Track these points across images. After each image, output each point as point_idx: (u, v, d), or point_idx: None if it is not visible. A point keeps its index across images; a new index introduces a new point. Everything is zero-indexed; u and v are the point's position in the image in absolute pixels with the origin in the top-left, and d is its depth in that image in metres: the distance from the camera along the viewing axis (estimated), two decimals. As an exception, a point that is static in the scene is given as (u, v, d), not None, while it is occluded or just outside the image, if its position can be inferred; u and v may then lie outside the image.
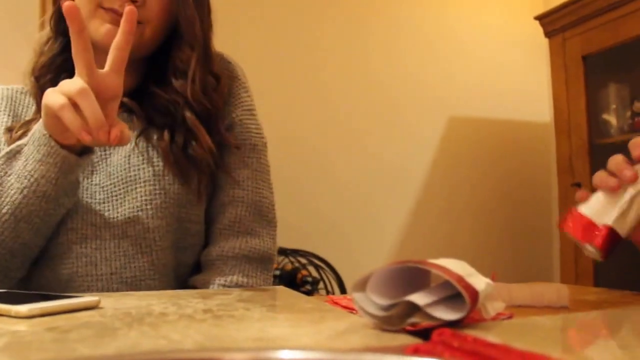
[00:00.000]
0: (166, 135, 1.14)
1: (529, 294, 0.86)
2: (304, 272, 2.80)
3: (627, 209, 0.88)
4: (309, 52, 3.29)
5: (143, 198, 1.11)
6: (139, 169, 1.13)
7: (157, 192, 1.12)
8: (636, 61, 3.03)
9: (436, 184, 3.47)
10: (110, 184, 1.13)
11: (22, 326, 0.62)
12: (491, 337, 0.48)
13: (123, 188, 1.12)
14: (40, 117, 1.14)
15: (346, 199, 3.26)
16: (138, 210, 1.11)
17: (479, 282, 0.62)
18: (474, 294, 0.59)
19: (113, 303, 0.77)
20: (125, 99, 1.16)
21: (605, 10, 2.79)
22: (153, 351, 0.50)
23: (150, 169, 1.13)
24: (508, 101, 3.63)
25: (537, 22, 3.17)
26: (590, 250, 0.89)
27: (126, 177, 1.13)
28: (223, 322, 0.64)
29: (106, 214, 1.11)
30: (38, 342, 0.55)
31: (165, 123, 1.16)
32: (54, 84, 1.16)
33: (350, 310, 0.77)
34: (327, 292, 2.85)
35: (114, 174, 1.13)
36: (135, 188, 1.12)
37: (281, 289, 1.03)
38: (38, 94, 1.16)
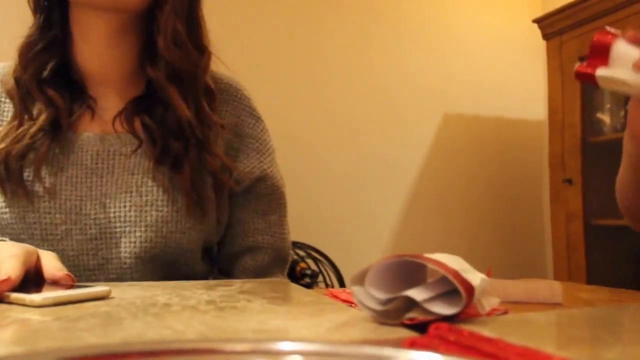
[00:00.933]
0: (187, 169, 1.06)
1: (523, 290, 0.87)
2: (303, 264, 2.81)
3: (617, 79, 0.91)
4: (308, 49, 3.30)
5: (143, 245, 1.03)
6: (141, 212, 1.04)
7: (158, 239, 1.04)
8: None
9: (431, 179, 3.49)
10: (105, 219, 1.04)
11: (31, 315, 0.64)
12: (487, 332, 0.49)
13: (120, 227, 1.04)
14: (23, 120, 1.06)
15: (344, 193, 3.27)
16: (135, 257, 1.03)
17: (475, 277, 0.63)
18: (469, 289, 0.60)
19: (119, 293, 0.78)
20: (148, 120, 1.08)
21: (602, 15, 2.83)
22: (157, 341, 0.51)
23: (155, 213, 1.04)
24: (503, 100, 3.66)
25: (535, 25, 3.20)
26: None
27: (125, 217, 1.04)
28: (225, 314, 0.65)
29: (99, 253, 1.03)
30: (46, 331, 0.57)
31: (180, 149, 1.07)
32: (36, 81, 1.06)
33: (350, 303, 0.78)
34: (326, 285, 2.86)
35: (110, 209, 1.04)
36: (134, 231, 1.03)
37: (282, 281, 1.04)
38: (18, 97, 1.08)
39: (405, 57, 3.49)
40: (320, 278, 2.88)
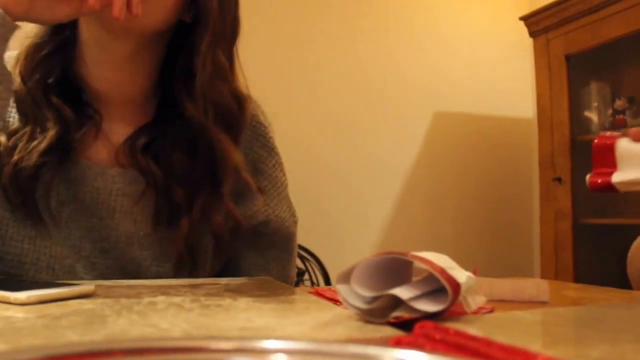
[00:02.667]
0: (184, 225, 0.97)
1: (510, 289, 0.87)
2: (289, 263, 2.80)
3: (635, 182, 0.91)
4: (300, 49, 3.31)
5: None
6: (140, 266, 0.99)
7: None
8: (617, 61, 3.09)
9: (421, 178, 3.50)
10: (103, 265, 0.99)
11: (14, 312, 0.63)
12: (473, 330, 0.49)
13: (117, 278, 0.95)
14: (34, 133, 0.96)
15: (332, 191, 3.27)
16: None
17: (461, 274, 0.63)
18: (455, 285, 0.60)
19: (104, 291, 0.78)
20: (152, 165, 0.99)
21: (587, 13, 2.85)
22: (141, 338, 0.51)
23: (154, 269, 0.99)
24: (492, 98, 3.67)
25: (522, 23, 3.22)
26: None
27: (123, 269, 0.98)
28: (210, 312, 0.65)
29: None
30: (29, 328, 0.56)
31: (182, 198, 0.98)
32: (41, 89, 0.98)
33: (335, 302, 0.77)
34: (312, 284, 2.86)
35: (109, 255, 0.99)
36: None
37: (267, 279, 1.04)
38: (26, 103, 0.98)
39: (394, 56, 3.50)
40: (306, 276, 2.88)
